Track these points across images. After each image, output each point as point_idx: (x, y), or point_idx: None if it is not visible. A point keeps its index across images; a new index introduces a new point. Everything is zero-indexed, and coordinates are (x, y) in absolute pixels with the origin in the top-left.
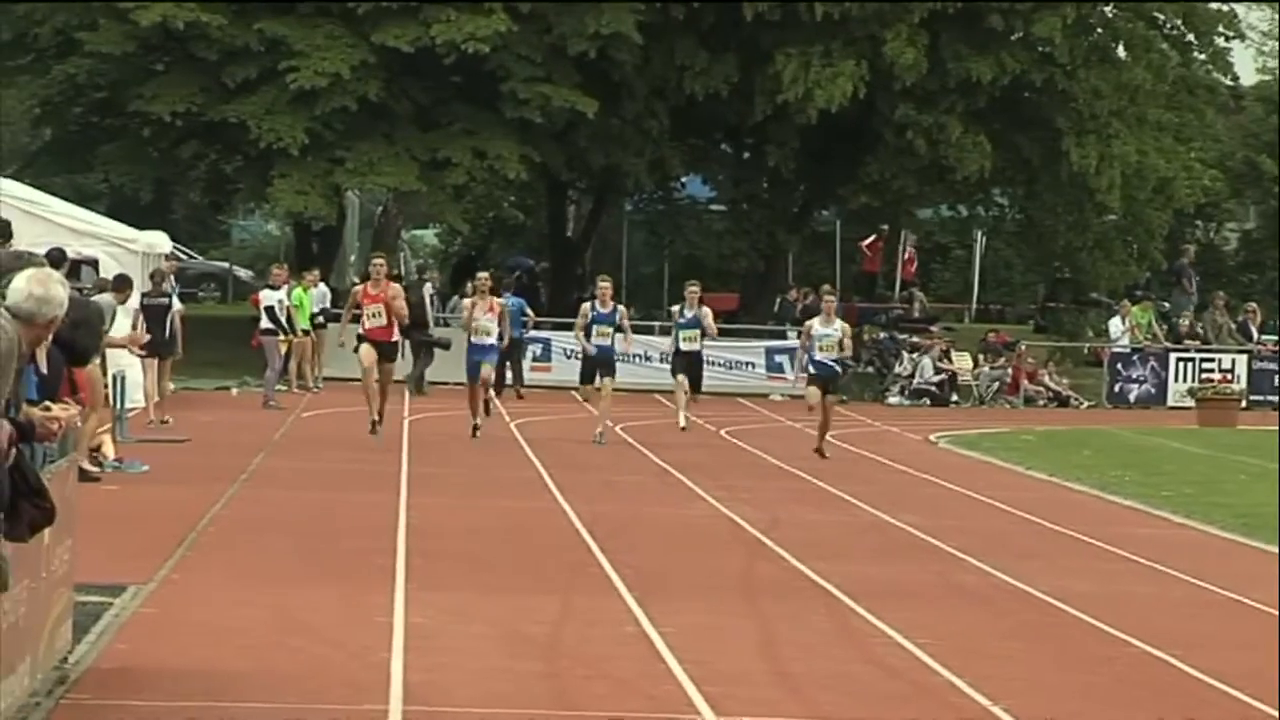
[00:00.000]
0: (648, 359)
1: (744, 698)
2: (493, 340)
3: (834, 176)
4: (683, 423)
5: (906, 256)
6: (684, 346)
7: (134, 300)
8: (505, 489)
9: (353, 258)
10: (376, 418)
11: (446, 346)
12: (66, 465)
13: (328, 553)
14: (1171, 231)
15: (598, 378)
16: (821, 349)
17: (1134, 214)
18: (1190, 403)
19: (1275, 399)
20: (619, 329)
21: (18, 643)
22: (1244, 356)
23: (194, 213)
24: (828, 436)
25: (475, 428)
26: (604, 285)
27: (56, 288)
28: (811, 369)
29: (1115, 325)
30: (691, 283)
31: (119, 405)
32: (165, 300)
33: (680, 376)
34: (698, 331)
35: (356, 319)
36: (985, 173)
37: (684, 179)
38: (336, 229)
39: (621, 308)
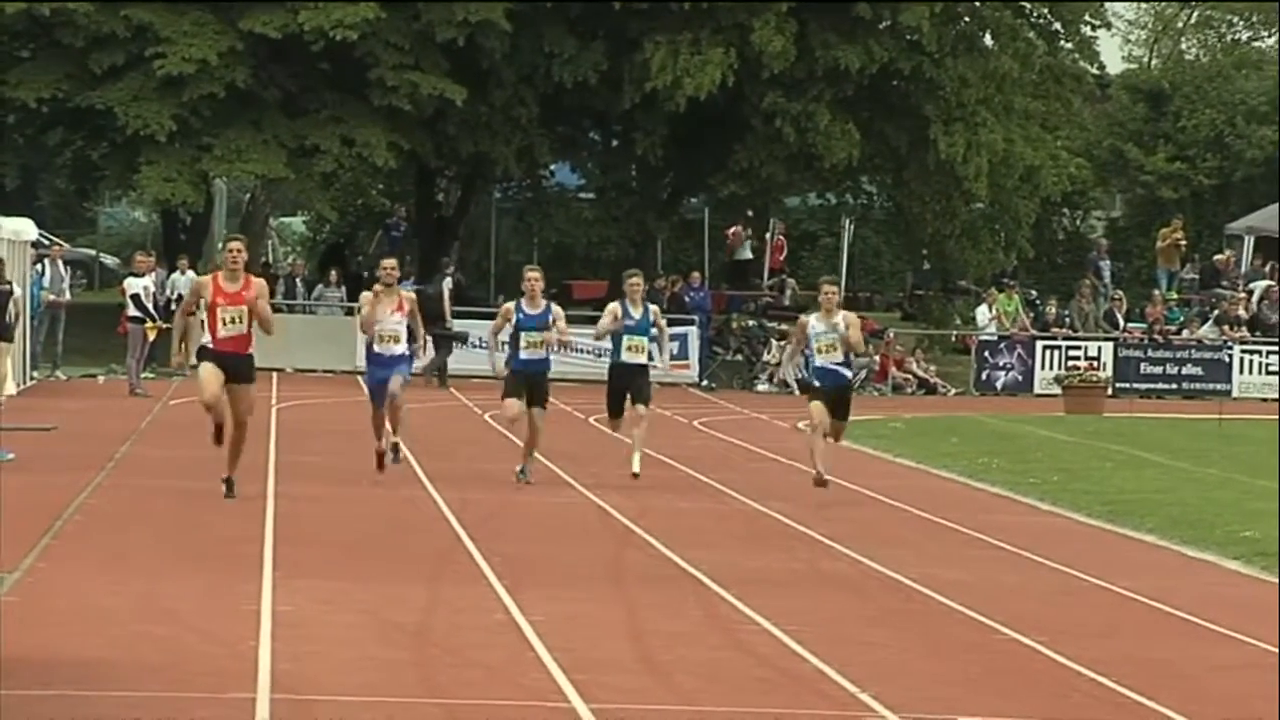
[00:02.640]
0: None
1: (613, 685)
2: (401, 348)
3: (703, 164)
4: (635, 467)
5: (776, 244)
6: (627, 358)
7: None
8: (373, 477)
9: (220, 245)
10: (228, 476)
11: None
12: None
13: (195, 541)
14: (1038, 220)
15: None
16: (821, 351)
17: (1001, 202)
18: (1057, 390)
19: (1142, 386)
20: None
21: None
22: (1110, 344)
23: (61, 200)
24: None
25: (381, 456)
26: (532, 276)
27: None
28: (815, 381)
29: (982, 313)
30: (632, 273)
31: None
32: (6, 288)
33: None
34: (645, 339)
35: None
36: (853, 161)
37: (553, 167)
38: (204, 217)
39: (556, 307)
